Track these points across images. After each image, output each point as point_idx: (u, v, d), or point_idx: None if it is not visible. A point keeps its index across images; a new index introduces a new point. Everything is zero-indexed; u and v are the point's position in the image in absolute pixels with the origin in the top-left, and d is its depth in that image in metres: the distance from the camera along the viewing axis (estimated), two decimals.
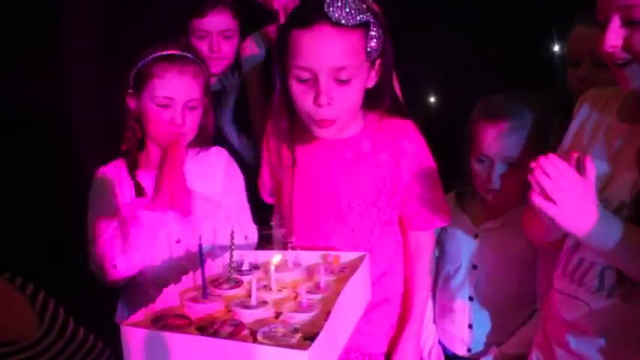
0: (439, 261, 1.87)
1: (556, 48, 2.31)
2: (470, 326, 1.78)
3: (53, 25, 2.32)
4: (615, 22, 1.25)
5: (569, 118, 1.53)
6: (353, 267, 1.42)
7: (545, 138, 1.70)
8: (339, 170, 1.66)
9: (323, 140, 1.63)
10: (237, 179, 1.86)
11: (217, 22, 2.15)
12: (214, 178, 1.79)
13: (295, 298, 1.33)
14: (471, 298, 1.78)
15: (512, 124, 1.68)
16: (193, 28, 2.15)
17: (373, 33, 1.49)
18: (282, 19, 2.13)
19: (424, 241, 1.75)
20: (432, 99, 2.42)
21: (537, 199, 1.20)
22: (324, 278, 1.34)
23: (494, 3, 2.35)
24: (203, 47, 2.13)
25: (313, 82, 1.49)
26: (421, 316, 1.75)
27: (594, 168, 1.21)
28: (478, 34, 2.34)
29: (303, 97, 1.52)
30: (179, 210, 1.70)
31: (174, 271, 1.69)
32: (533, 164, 1.21)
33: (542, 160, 1.20)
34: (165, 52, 1.73)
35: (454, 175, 1.85)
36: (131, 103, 1.76)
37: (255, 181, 1.91)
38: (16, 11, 2.21)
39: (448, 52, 2.38)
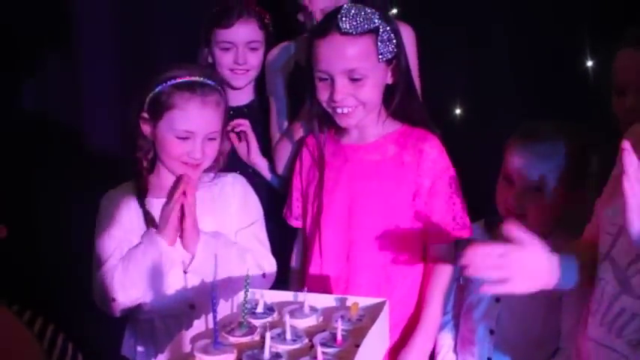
0: (464, 289, 1.82)
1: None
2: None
3: (69, 30, 2.23)
4: None
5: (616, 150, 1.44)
6: (372, 315, 1.36)
7: (578, 173, 1.67)
8: (363, 172, 1.77)
9: (350, 145, 1.80)
10: (255, 208, 1.80)
11: (243, 32, 2.03)
12: (229, 206, 1.73)
13: (311, 348, 1.28)
14: (492, 332, 1.72)
15: (543, 149, 1.66)
16: (217, 38, 2.04)
17: (384, 37, 1.68)
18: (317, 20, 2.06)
19: (442, 256, 1.76)
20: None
21: (497, 287, 1.26)
22: (340, 330, 1.28)
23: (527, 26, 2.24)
24: (227, 59, 2.04)
25: (331, 81, 1.69)
26: (429, 333, 1.75)
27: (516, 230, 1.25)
28: (511, 60, 2.26)
29: (323, 93, 1.72)
30: (186, 248, 1.65)
31: (180, 304, 1.67)
32: (464, 261, 1.25)
33: (469, 255, 1.24)
34: (185, 79, 1.63)
35: (485, 203, 1.79)
36: (145, 127, 1.68)
37: (275, 203, 1.96)
38: (31, 16, 2.12)
39: (480, 79, 2.31)
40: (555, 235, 1.67)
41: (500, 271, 1.24)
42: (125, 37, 2.30)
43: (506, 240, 1.27)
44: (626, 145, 1.16)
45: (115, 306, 1.63)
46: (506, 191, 1.71)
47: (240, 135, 2.05)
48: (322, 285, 1.77)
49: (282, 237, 2.01)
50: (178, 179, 1.64)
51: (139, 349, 1.72)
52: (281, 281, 1.86)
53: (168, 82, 1.63)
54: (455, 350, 1.83)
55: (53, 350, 1.37)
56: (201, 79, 1.65)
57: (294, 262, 1.94)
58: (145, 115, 1.66)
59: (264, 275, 1.72)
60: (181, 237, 1.63)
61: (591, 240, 1.40)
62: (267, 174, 2.07)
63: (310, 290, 1.72)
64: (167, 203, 1.62)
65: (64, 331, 1.42)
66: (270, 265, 1.74)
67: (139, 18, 2.32)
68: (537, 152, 1.66)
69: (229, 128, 1.92)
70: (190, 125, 1.62)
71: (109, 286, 1.61)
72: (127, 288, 1.61)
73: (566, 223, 1.72)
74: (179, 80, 1.63)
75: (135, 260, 1.61)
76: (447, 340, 1.83)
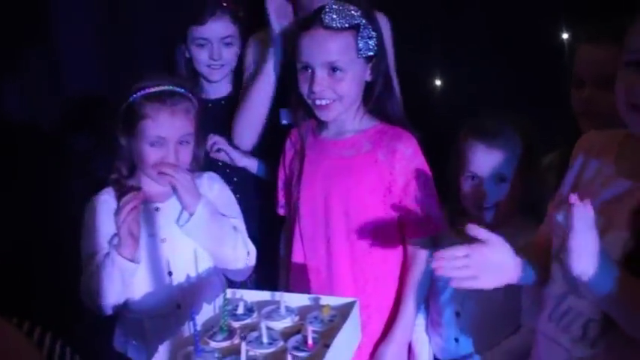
0: (431, 275, 1.92)
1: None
2: (456, 340, 1.87)
3: (49, 30, 2.25)
4: None
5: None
6: (343, 314, 1.47)
7: (529, 161, 1.81)
8: (338, 168, 1.84)
9: (328, 140, 1.88)
10: (233, 206, 1.89)
11: (217, 29, 2.08)
12: None
13: (284, 351, 1.40)
14: (457, 314, 1.85)
15: (500, 142, 1.78)
16: (192, 35, 2.10)
17: (364, 34, 1.76)
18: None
19: (418, 250, 1.84)
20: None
21: (465, 283, 1.36)
22: (311, 333, 1.39)
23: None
24: (203, 55, 2.10)
25: (312, 73, 1.78)
26: (406, 324, 1.84)
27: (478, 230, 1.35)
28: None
29: (303, 85, 1.82)
30: (186, 209, 1.75)
31: (167, 304, 1.77)
32: (434, 265, 1.36)
33: (438, 258, 1.36)
34: (154, 89, 1.70)
35: (445, 193, 1.90)
36: (121, 138, 1.74)
37: (261, 192, 2.10)
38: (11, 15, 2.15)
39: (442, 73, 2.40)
40: (516, 221, 1.81)
41: (467, 270, 1.36)
42: (106, 37, 2.33)
43: (471, 239, 1.37)
44: (574, 199, 1.17)
45: (100, 308, 1.73)
46: (473, 190, 1.82)
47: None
48: (304, 274, 1.89)
49: (267, 226, 2.13)
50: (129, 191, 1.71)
51: (131, 342, 1.84)
52: (263, 264, 2.00)
53: (139, 93, 1.70)
54: (426, 331, 1.96)
55: (53, 357, 1.49)
56: (170, 87, 1.72)
57: (281, 249, 2.05)
58: (120, 126, 1.73)
59: (248, 253, 1.85)
60: (181, 203, 1.73)
61: (543, 241, 1.50)
62: (254, 171, 2.17)
63: (294, 278, 1.87)
64: (116, 216, 1.67)
65: (60, 334, 1.54)
66: (252, 247, 1.87)
67: (119, 16, 2.35)
68: (499, 146, 1.78)
69: (207, 149, 2.02)
70: (161, 131, 1.70)
71: (90, 290, 1.70)
72: (103, 294, 1.70)
73: (522, 208, 1.85)
74: (148, 91, 1.70)
75: (105, 269, 1.68)
76: (419, 320, 1.95)
